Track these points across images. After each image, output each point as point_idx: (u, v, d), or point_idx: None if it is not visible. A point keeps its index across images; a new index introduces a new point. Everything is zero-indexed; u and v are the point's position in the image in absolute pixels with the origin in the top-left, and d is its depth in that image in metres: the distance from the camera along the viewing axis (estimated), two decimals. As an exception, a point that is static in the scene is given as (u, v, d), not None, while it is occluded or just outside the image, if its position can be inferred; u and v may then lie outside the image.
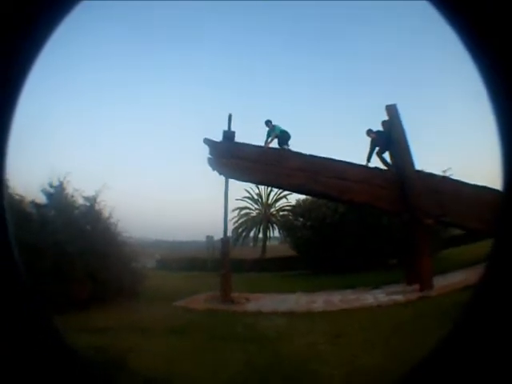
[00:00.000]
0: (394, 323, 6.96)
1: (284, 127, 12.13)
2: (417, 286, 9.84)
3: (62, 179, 10.99)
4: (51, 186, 10.84)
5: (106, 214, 11.74)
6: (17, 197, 9.58)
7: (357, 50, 47.65)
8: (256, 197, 33.33)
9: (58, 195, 10.78)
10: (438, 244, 13.49)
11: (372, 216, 15.92)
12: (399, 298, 9.44)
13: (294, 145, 12.02)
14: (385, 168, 11.48)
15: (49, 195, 10.77)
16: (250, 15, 47.34)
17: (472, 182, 10.65)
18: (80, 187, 11.37)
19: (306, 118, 49.25)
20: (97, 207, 11.52)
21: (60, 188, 10.94)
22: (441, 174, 11.55)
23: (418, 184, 10.38)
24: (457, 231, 15.20)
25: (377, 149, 11.55)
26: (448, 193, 10.42)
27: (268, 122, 12.19)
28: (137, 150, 49.84)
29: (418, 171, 10.81)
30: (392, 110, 11.16)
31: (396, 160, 11.12)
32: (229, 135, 11.72)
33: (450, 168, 12.05)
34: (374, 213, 15.49)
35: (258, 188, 31.99)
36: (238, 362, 5.31)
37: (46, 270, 8.39)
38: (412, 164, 10.63)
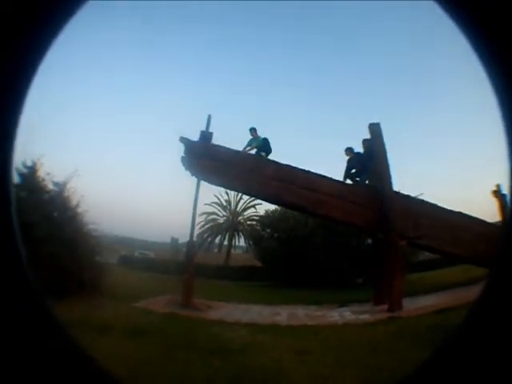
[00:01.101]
0: (364, 342, 6.74)
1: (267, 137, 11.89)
2: (384, 307, 9.75)
3: (35, 160, 10.36)
4: (25, 165, 10.19)
5: (74, 202, 11.10)
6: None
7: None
8: (225, 203, 33.21)
9: (30, 176, 10.14)
10: (408, 266, 13.61)
11: (341, 234, 15.99)
12: (367, 317, 9.29)
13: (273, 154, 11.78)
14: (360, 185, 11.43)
15: (21, 175, 10.10)
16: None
17: (448, 207, 10.83)
18: (52, 172, 10.77)
19: (289, 127, 49.53)
20: (65, 194, 10.88)
21: (33, 169, 10.30)
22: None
23: (396, 205, 10.37)
24: (427, 255, 15.46)
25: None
26: (425, 216, 10.47)
27: (252, 130, 11.87)
28: (112, 142, 48.70)
29: (397, 192, 10.85)
30: (375, 128, 11.19)
31: (375, 179, 11.07)
32: (206, 136, 11.33)
33: (422, 193, 12.20)
34: (344, 231, 15.57)
35: (228, 194, 31.90)
36: (199, 376, 4.93)
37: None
38: (391, 184, 10.65)
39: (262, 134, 11.99)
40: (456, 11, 1.64)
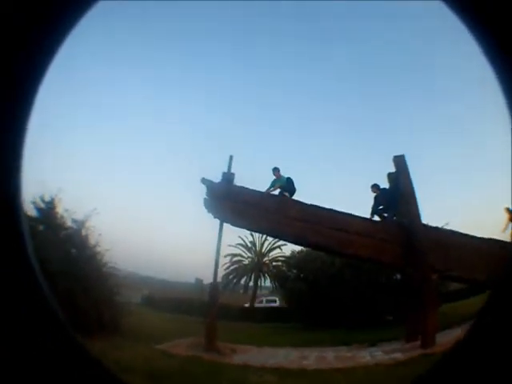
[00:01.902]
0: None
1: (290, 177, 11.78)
2: (417, 344, 9.25)
3: (53, 196, 10.54)
4: (43, 200, 10.35)
5: (93, 240, 11.13)
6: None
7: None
8: (250, 245, 32.81)
9: (48, 211, 10.28)
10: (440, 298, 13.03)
11: (369, 272, 15.51)
12: (399, 355, 8.77)
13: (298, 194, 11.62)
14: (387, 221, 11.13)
15: (39, 209, 10.25)
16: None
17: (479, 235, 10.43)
18: (70, 208, 10.90)
19: (313, 166, 49.58)
20: (84, 232, 10.92)
21: (51, 204, 10.46)
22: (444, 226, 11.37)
23: (426, 238, 10.01)
24: (456, 285, 14.79)
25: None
26: (454, 247, 10.06)
27: (275, 170, 11.74)
28: (134, 182, 49.81)
29: (425, 225, 10.52)
30: (400, 161, 10.98)
31: (402, 213, 10.73)
32: (228, 177, 11.30)
33: (448, 222, 11.86)
34: (372, 269, 15.09)
35: (253, 236, 31.50)
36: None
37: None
38: (419, 217, 10.34)
39: (285, 173, 11.93)
40: (464, 11, 1.63)
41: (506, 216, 11.10)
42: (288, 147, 47.23)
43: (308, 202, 11.04)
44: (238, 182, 11.38)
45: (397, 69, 47.13)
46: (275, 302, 27.04)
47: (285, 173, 11.89)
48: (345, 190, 42.84)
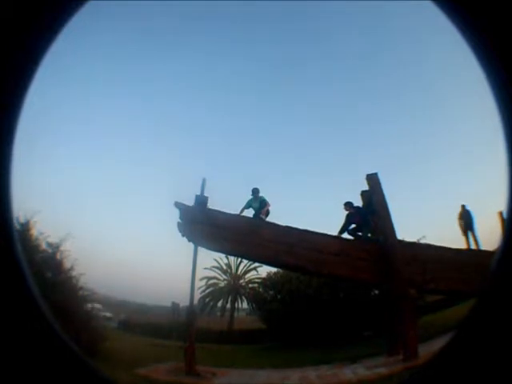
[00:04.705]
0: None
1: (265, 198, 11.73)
2: (399, 357, 9.30)
3: (29, 218, 10.32)
4: (18, 222, 10.10)
5: (68, 264, 10.91)
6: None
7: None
8: (225, 267, 32.78)
9: (22, 233, 10.02)
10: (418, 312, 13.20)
11: (346, 290, 15.71)
12: (382, 370, 8.77)
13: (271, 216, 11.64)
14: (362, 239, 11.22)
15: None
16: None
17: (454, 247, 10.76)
18: (46, 231, 10.72)
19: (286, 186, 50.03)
20: (59, 256, 10.71)
21: (26, 226, 10.22)
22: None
23: (401, 254, 10.16)
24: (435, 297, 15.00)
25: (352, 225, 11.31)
26: (431, 260, 10.23)
27: (255, 191, 11.68)
28: (110, 205, 49.15)
29: (400, 241, 10.68)
30: (373, 179, 11.14)
31: (378, 230, 10.92)
32: (201, 200, 11.16)
33: (424, 236, 12.35)
34: (349, 286, 15.27)
35: (228, 258, 31.47)
36: None
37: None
38: (394, 233, 10.47)
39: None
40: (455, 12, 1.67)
41: (499, 221, 11.23)
42: (261, 167, 47.77)
43: (282, 223, 11.01)
44: (212, 204, 11.28)
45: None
46: None
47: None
48: (318, 210, 43.34)
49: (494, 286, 1.63)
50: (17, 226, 10.08)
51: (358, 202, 11.91)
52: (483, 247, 11.46)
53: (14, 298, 1.66)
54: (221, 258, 31.42)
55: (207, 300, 32.22)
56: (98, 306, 11.60)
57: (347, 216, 11.35)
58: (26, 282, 1.71)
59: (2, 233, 1.64)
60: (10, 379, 1.59)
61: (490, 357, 1.51)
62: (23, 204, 10.23)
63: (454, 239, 12.14)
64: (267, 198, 11.77)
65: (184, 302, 12.07)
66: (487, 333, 1.55)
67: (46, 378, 1.68)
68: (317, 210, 43.21)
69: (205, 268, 30.26)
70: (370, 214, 11.15)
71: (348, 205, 11.51)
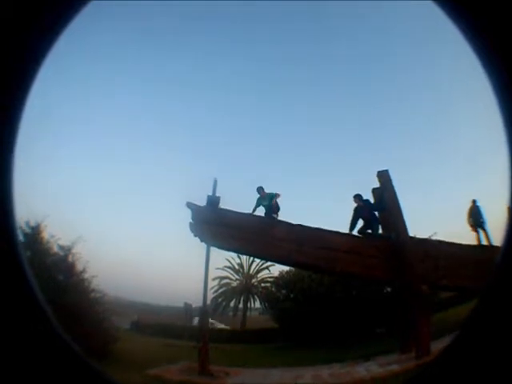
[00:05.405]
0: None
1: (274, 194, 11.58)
2: (412, 354, 9.19)
3: (39, 221, 10.41)
4: (28, 225, 10.19)
5: (79, 267, 10.97)
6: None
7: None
8: (237, 267, 32.84)
9: (33, 237, 10.11)
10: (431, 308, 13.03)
11: (359, 287, 15.60)
12: (395, 367, 8.70)
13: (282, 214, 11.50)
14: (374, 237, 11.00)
15: (24, 234, 10.06)
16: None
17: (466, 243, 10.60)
18: (56, 234, 10.79)
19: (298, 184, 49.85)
20: (70, 258, 10.77)
21: (37, 230, 10.30)
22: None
23: (413, 250, 10.05)
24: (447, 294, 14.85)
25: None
26: (443, 256, 10.09)
27: (260, 189, 11.57)
28: (122, 207, 49.44)
29: (412, 237, 10.57)
30: (384, 176, 11.04)
31: (389, 227, 10.77)
32: (213, 200, 11.13)
33: (436, 232, 11.99)
34: (362, 283, 15.14)
35: (240, 258, 31.52)
36: None
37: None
38: (406, 230, 10.37)
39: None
40: (455, 12, 1.63)
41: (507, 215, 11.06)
42: (272, 167, 47.62)
43: (294, 221, 10.92)
44: (224, 204, 11.22)
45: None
46: None
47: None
48: (331, 207, 43.06)
49: (497, 282, 1.61)
50: (27, 230, 10.19)
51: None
52: (495, 243, 11.24)
53: (16, 300, 1.64)
54: (233, 257, 31.51)
55: (220, 300, 32.30)
56: (109, 307, 11.59)
57: (355, 209, 11.11)
58: (29, 285, 1.69)
59: (4, 236, 1.63)
60: (14, 383, 1.58)
61: (496, 354, 1.49)
62: (31, 207, 10.33)
63: (465, 235, 11.87)
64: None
65: (196, 302, 12.02)
66: (492, 330, 1.53)
67: (49, 381, 1.66)
68: (322, 209, 42.83)
69: (217, 268, 30.28)
70: (379, 210, 11.02)
71: (358, 197, 11.20)
